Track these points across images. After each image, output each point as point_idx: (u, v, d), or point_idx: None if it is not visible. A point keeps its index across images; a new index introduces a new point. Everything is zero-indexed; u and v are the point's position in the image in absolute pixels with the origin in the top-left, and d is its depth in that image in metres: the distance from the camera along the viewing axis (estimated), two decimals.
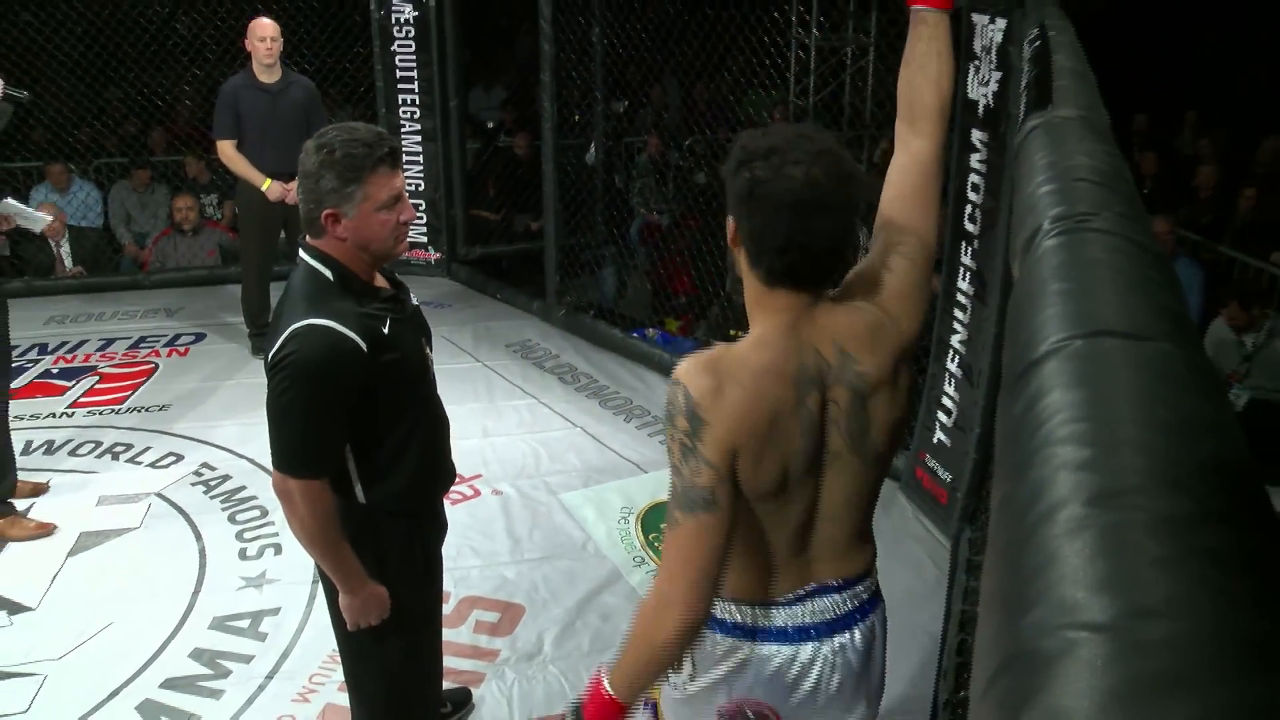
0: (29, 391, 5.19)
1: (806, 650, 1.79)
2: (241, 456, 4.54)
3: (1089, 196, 1.11)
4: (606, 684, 1.68)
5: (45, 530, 3.95)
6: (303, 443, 2.09)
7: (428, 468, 2.34)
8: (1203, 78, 10.44)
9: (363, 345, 2.07)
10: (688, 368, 1.61)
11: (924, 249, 1.79)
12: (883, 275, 1.75)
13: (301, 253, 2.17)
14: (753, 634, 1.79)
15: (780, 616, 1.79)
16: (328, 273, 2.13)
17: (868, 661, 1.85)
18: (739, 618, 1.79)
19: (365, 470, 2.21)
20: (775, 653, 1.79)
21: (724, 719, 1.84)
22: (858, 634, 1.82)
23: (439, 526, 2.49)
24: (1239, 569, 0.51)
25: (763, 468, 1.62)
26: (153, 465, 4.52)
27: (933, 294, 3.64)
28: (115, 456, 4.60)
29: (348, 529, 2.18)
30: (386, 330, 2.14)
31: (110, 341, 5.89)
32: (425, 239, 6.76)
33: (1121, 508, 0.54)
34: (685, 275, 6.09)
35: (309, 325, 2.04)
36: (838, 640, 1.80)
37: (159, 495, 4.27)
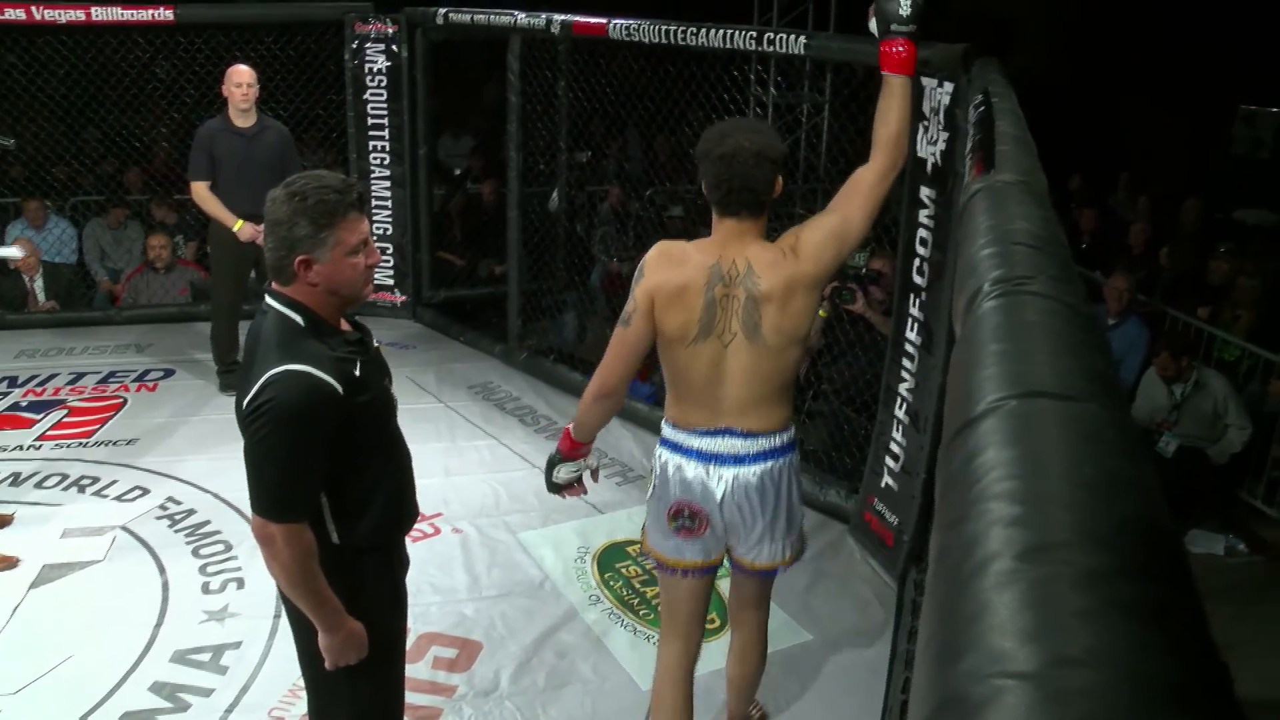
0: None
1: (715, 470, 2.56)
2: (207, 491, 4.49)
3: (1026, 260, 1.14)
4: (571, 429, 2.71)
5: (8, 563, 3.88)
6: (285, 487, 2.08)
7: (396, 505, 2.34)
8: (1134, 141, 10.72)
9: (339, 388, 2.07)
10: (655, 247, 2.54)
11: (844, 226, 2.52)
12: (806, 233, 2.52)
13: (269, 300, 2.16)
14: (678, 449, 2.59)
15: (696, 441, 2.56)
16: (298, 318, 2.13)
17: (763, 493, 2.58)
18: (672, 437, 2.60)
19: (338, 509, 2.20)
20: (693, 466, 2.57)
21: (672, 516, 2.62)
22: (755, 470, 2.56)
23: (404, 562, 2.48)
24: (1155, 620, 0.53)
25: (669, 315, 2.47)
26: (119, 499, 4.46)
27: (889, 277, 3.80)
28: (81, 489, 4.53)
29: (324, 568, 2.16)
30: (358, 372, 2.15)
31: (80, 375, 5.81)
32: (392, 281, 6.76)
33: (1049, 562, 0.56)
34: None
35: (286, 371, 2.03)
36: (740, 470, 2.55)
37: (124, 528, 4.21)
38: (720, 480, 2.56)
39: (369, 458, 2.22)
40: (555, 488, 2.79)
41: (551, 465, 2.78)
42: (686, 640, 2.76)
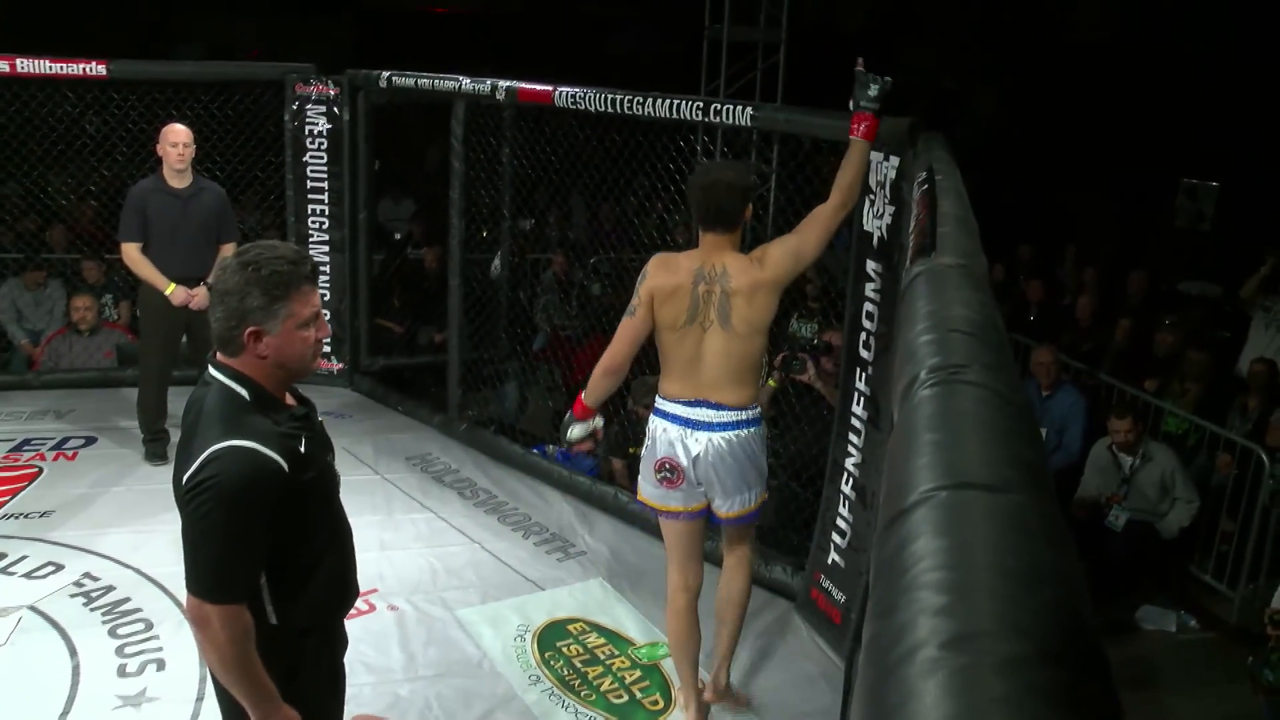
0: None
1: (692, 434, 3.30)
2: (128, 566, 4.39)
3: (962, 348, 1.21)
4: (583, 397, 3.49)
5: None
6: (223, 567, 2.06)
7: (339, 584, 2.34)
8: (1079, 213, 11.08)
9: (284, 465, 2.07)
10: (655, 256, 3.39)
11: (801, 247, 3.34)
12: (772, 248, 3.36)
13: (213, 371, 2.16)
14: (664, 415, 3.35)
15: (677, 409, 3.32)
16: (243, 392, 2.13)
17: (733, 455, 3.30)
18: (661, 406, 3.35)
19: (277, 589, 2.18)
20: (674, 429, 3.32)
21: (656, 469, 3.36)
22: (725, 437, 3.29)
23: (343, 642, 2.47)
24: (1069, 706, 0.58)
25: (665, 309, 3.27)
26: (27, 575, 4.32)
27: (839, 350, 4.44)
28: None
29: (260, 650, 2.13)
30: (303, 449, 2.15)
31: None
32: (329, 348, 6.74)
33: (971, 650, 0.61)
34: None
35: (231, 447, 2.03)
36: (713, 435, 3.29)
37: (31, 608, 4.06)
38: (696, 442, 3.30)
39: (311, 536, 2.22)
40: (569, 444, 3.87)
41: (566, 425, 3.59)
42: (683, 572, 3.49)
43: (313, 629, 2.29)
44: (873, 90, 3.41)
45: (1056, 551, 0.74)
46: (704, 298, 3.25)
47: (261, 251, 2.13)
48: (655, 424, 3.37)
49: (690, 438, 3.29)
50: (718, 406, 3.28)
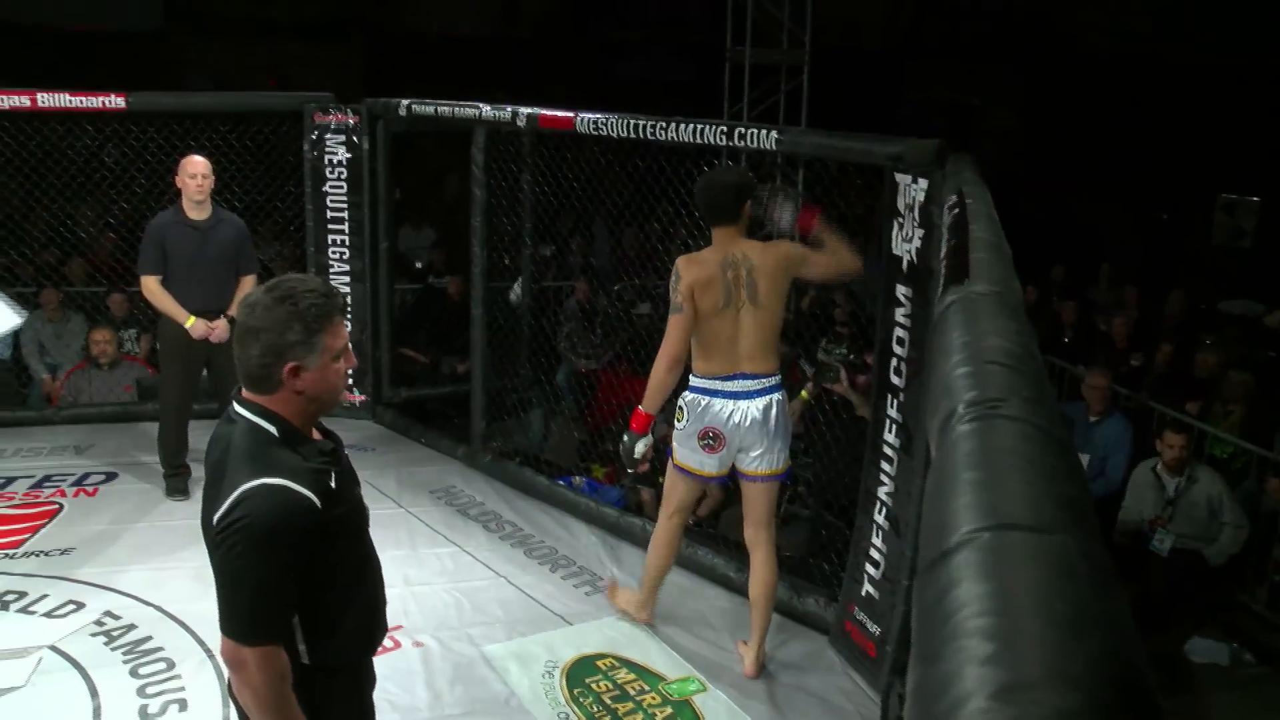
0: None
1: (733, 403, 3.86)
2: (149, 604, 4.41)
3: (1000, 381, 1.21)
4: (643, 407, 3.93)
5: None
6: (259, 608, 2.06)
7: (369, 621, 2.34)
8: (1113, 232, 11.03)
9: (317, 502, 2.07)
10: (681, 258, 3.86)
11: (808, 259, 3.95)
12: (787, 245, 3.99)
13: (240, 409, 2.16)
14: (709, 393, 3.88)
15: (720, 385, 3.87)
16: (271, 428, 2.13)
17: (766, 420, 3.88)
18: (702, 384, 3.89)
19: (310, 628, 2.18)
20: (719, 403, 3.87)
21: (700, 437, 3.90)
22: (759, 403, 3.87)
23: (371, 679, 2.48)
24: None
25: (705, 298, 3.77)
26: (48, 615, 4.34)
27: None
28: (5, 606, 4.39)
29: (293, 690, 2.13)
30: (334, 484, 2.16)
31: (10, 480, 5.72)
32: (350, 380, 6.77)
33: (1020, 702, 0.61)
34: (613, 422, 6.17)
35: (262, 485, 2.03)
36: (750, 403, 3.86)
37: (52, 648, 4.08)
38: (736, 410, 3.86)
39: (343, 573, 2.22)
40: (634, 463, 4.06)
41: (629, 446, 3.96)
42: (680, 511, 4.15)
43: (343, 668, 2.29)
44: (795, 203, 4.09)
45: (1105, 596, 0.73)
46: (734, 282, 3.80)
47: (294, 285, 2.14)
48: (695, 399, 3.90)
49: (732, 406, 3.86)
50: (754, 376, 3.86)
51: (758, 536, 4.05)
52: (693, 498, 4.21)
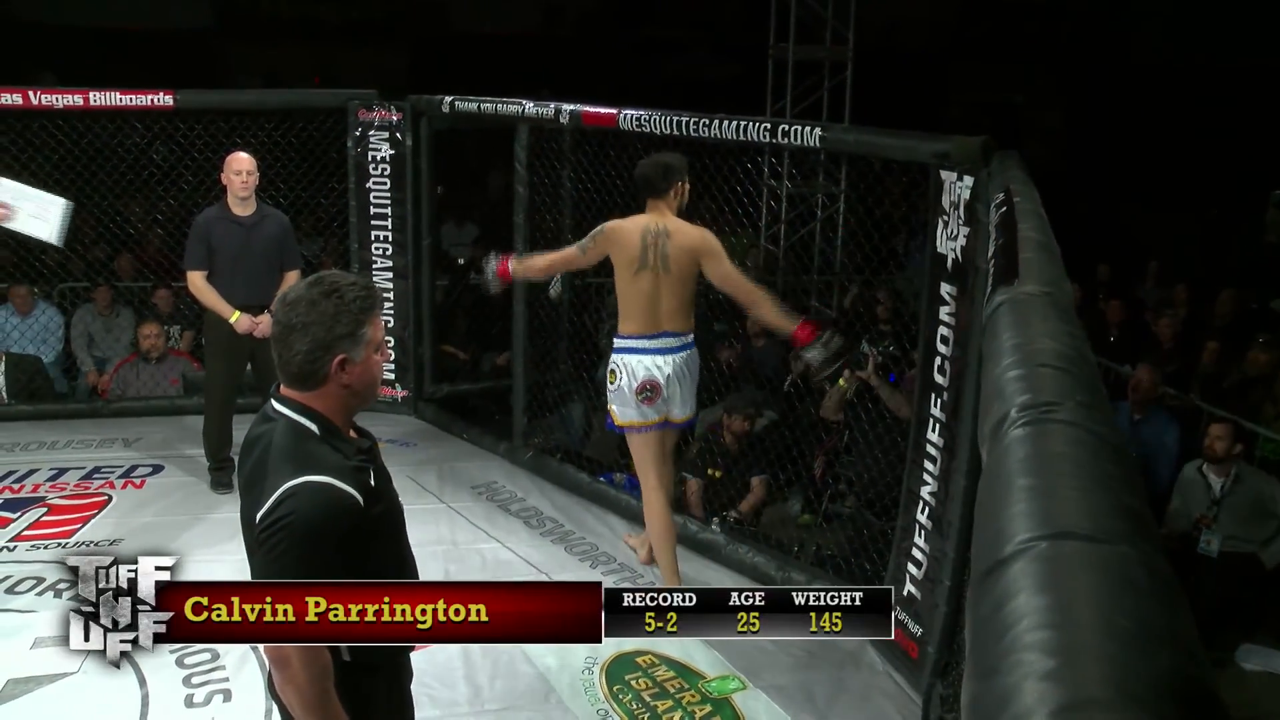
0: None
1: (660, 359, 4.32)
2: None
3: (1052, 384, 1.18)
4: (512, 263, 4.67)
5: None
6: None
7: None
8: (1160, 229, 10.87)
9: (359, 499, 2.08)
10: (608, 223, 4.36)
11: (720, 265, 4.32)
12: (711, 240, 4.35)
13: (279, 407, 2.16)
14: (635, 351, 4.33)
15: (646, 343, 4.32)
16: (312, 426, 2.13)
17: (687, 371, 4.40)
18: (631, 344, 4.33)
19: None
20: (649, 359, 4.32)
21: (639, 390, 4.33)
22: (680, 356, 4.36)
23: (408, 674, 2.48)
24: None
25: (619, 252, 4.28)
26: None
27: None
28: (58, 594, 4.48)
29: (335, 688, 2.13)
30: (373, 482, 2.16)
31: (62, 471, 5.82)
32: (393, 375, 6.81)
33: None
34: None
35: (305, 483, 2.03)
36: (674, 357, 4.34)
37: None
38: (666, 363, 4.34)
39: (382, 569, 2.22)
40: (488, 286, 4.82)
41: (489, 278, 4.70)
42: (659, 476, 4.52)
43: (383, 665, 2.29)
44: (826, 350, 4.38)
45: (1170, 610, 0.71)
46: (651, 246, 4.25)
47: (337, 279, 2.15)
48: (626, 359, 4.35)
49: (661, 360, 4.33)
50: (674, 334, 4.35)
51: (665, 468, 4.62)
52: (659, 453, 4.54)
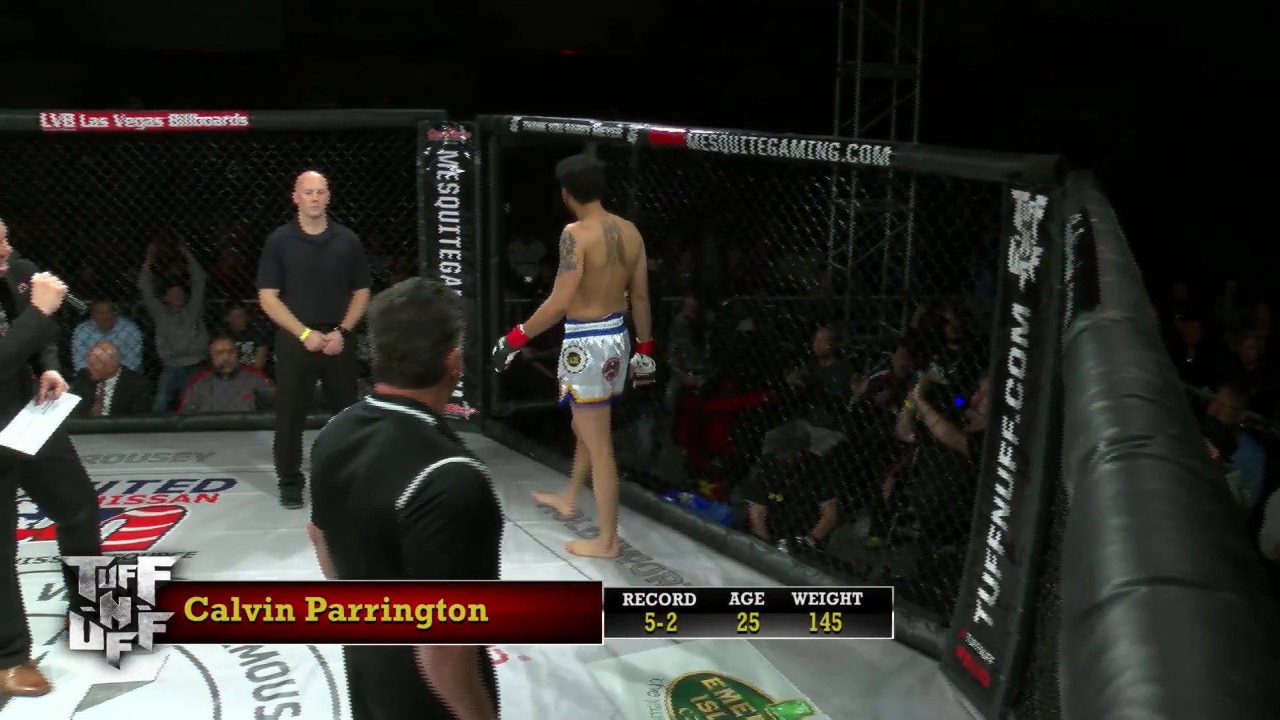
0: (51, 533, 5.18)
1: (615, 338, 4.74)
2: None
3: (1142, 417, 1.14)
4: (524, 329, 4.77)
5: (42, 689, 3.88)
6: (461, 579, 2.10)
7: None
8: (1241, 248, 10.60)
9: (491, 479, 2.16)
10: (574, 225, 4.66)
11: (640, 271, 4.86)
12: (638, 236, 4.85)
13: (382, 404, 2.22)
14: (598, 332, 4.70)
15: (606, 324, 4.72)
16: (427, 419, 2.21)
17: (628, 350, 4.84)
18: (594, 327, 4.70)
19: None
20: (611, 338, 4.73)
21: (606, 369, 4.72)
22: (624, 334, 4.78)
23: None
24: None
25: (595, 255, 4.61)
26: None
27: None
28: None
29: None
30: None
31: (139, 484, 5.94)
32: (461, 394, 6.84)
33: None
34: (723, 439, 6.12)
35: (450, 464, 2.09)
36: (622, 335, 4.78)
37: (177, 647, 4.23)
38: (620, 341, 4.78)
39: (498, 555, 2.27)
40: (500, 364, 5.01)
41: (504, 352, 4.88)
42: (609, 444, 4.94)
43: (489, 658, 2.32)
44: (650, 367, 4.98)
45: None
46: (613, 241, 4.66)
47: (427, 281, 2.30)
48: (588, 340, 4.71)
49: (616, 338, 4.76)
50: (618, 315, 4.80)
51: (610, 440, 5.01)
52: (608, 425, 4.99)
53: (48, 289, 3.67)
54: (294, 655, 4.15)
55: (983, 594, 4.03)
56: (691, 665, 4.20)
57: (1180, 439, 1.10)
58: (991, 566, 3.99)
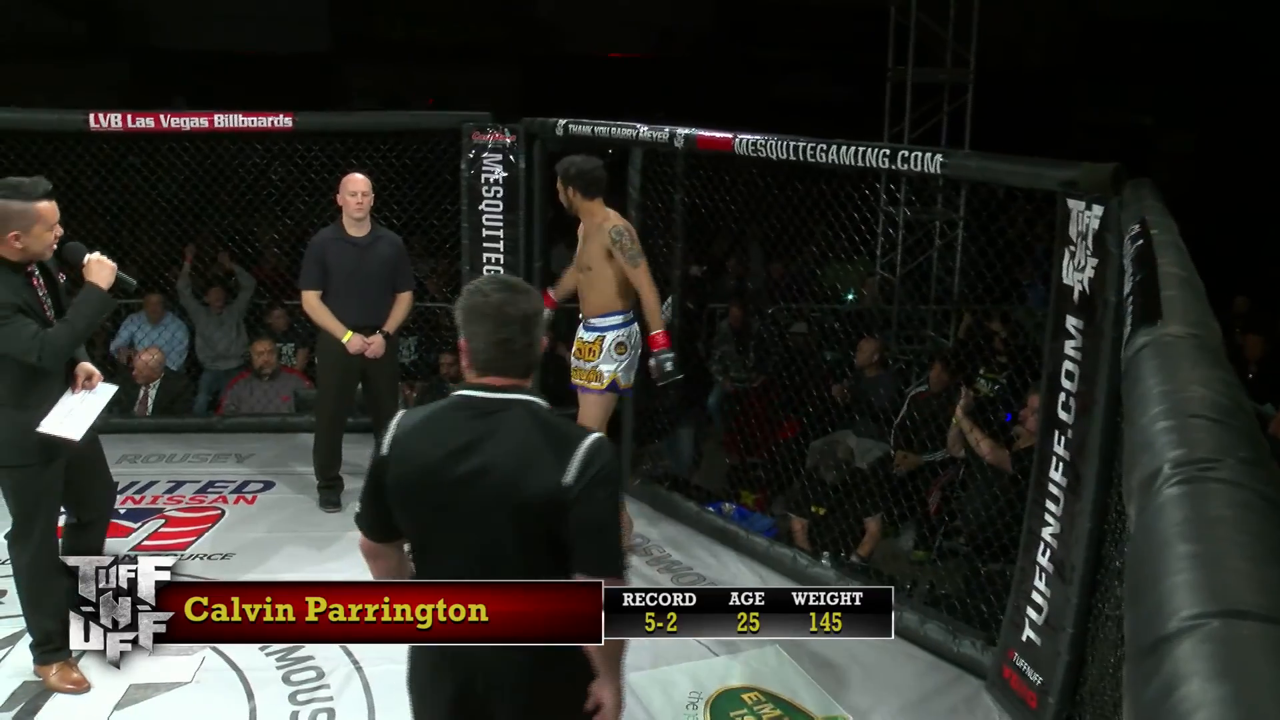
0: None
1: (636, 325, 4.89)
2: None
3: (1209, 439, 1.11)
4: (658, 329, 4.76)
5: (82, 687, 3.92)
6: (621, 544, 2.31)
7: None
8: None
9: None
10: (623, 220, 4.94)
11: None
12: (625, 231, 4.86)
13: (499, 395, 2.30)
14: (634, 321, 4.87)
15: (631, 315, 4.86)
16: (542, 403, 2.33)
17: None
18: (629, 316, 4.87)
19: None
20: (636, 327, 4.87)
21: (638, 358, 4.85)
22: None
23: None
24: None
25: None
26: None
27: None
28: None
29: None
30: None
31: (179, 484, 5.99)
32: None
33: None
34: (766, 448, 6.08)
35: (597, 439, 2.28)
36: (637, 324, 4.89)
37: (213, 648, 4.26)
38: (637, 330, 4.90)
39: None
40: (672, 376, 4.85)
41: (670, 363, 4.80)
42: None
43: None
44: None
45: None
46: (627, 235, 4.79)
47: (503, 276, 2.58)
48: (635, 330, 4.86)
49: (637, 327, 4.89)
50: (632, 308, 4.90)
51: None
52: None
53: (103, 265, 3.75)
54: (330, 659, 4.16)
55: (1031, 613, 3.97)
56: (731, 678, 4.17)
57: (1251, 462, 1.06)
58: (1041, 585, 3.93)
